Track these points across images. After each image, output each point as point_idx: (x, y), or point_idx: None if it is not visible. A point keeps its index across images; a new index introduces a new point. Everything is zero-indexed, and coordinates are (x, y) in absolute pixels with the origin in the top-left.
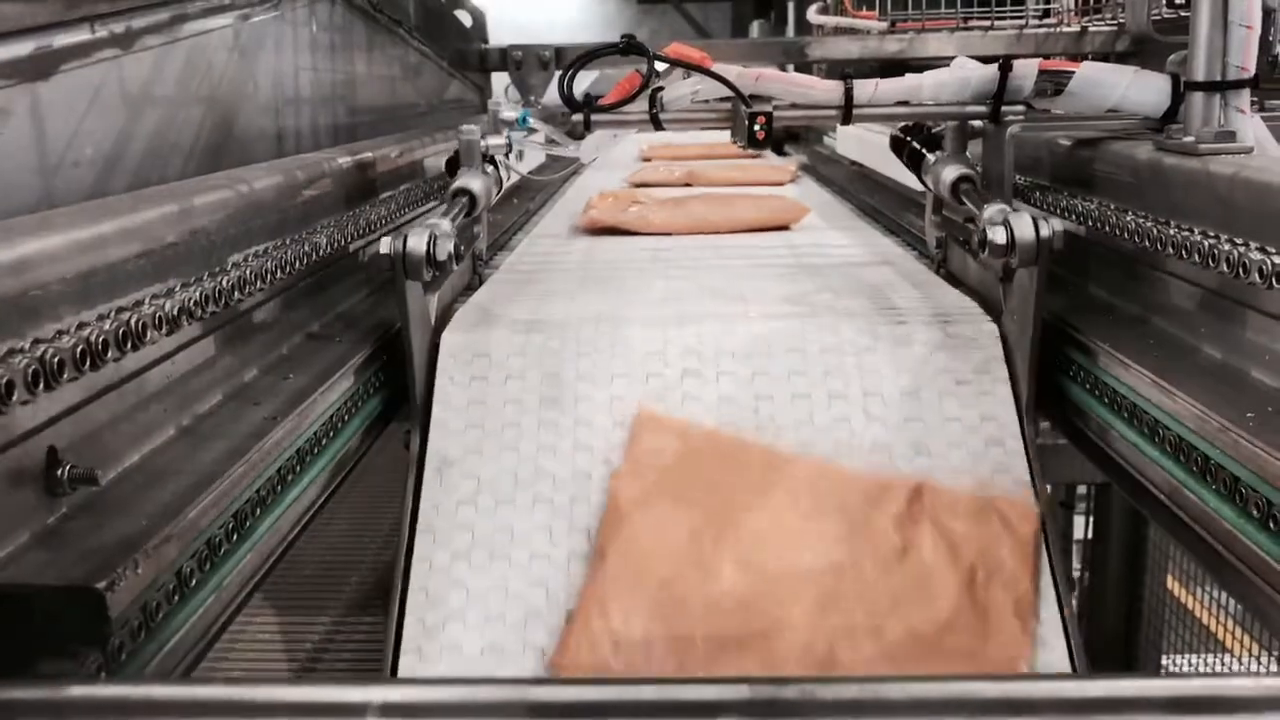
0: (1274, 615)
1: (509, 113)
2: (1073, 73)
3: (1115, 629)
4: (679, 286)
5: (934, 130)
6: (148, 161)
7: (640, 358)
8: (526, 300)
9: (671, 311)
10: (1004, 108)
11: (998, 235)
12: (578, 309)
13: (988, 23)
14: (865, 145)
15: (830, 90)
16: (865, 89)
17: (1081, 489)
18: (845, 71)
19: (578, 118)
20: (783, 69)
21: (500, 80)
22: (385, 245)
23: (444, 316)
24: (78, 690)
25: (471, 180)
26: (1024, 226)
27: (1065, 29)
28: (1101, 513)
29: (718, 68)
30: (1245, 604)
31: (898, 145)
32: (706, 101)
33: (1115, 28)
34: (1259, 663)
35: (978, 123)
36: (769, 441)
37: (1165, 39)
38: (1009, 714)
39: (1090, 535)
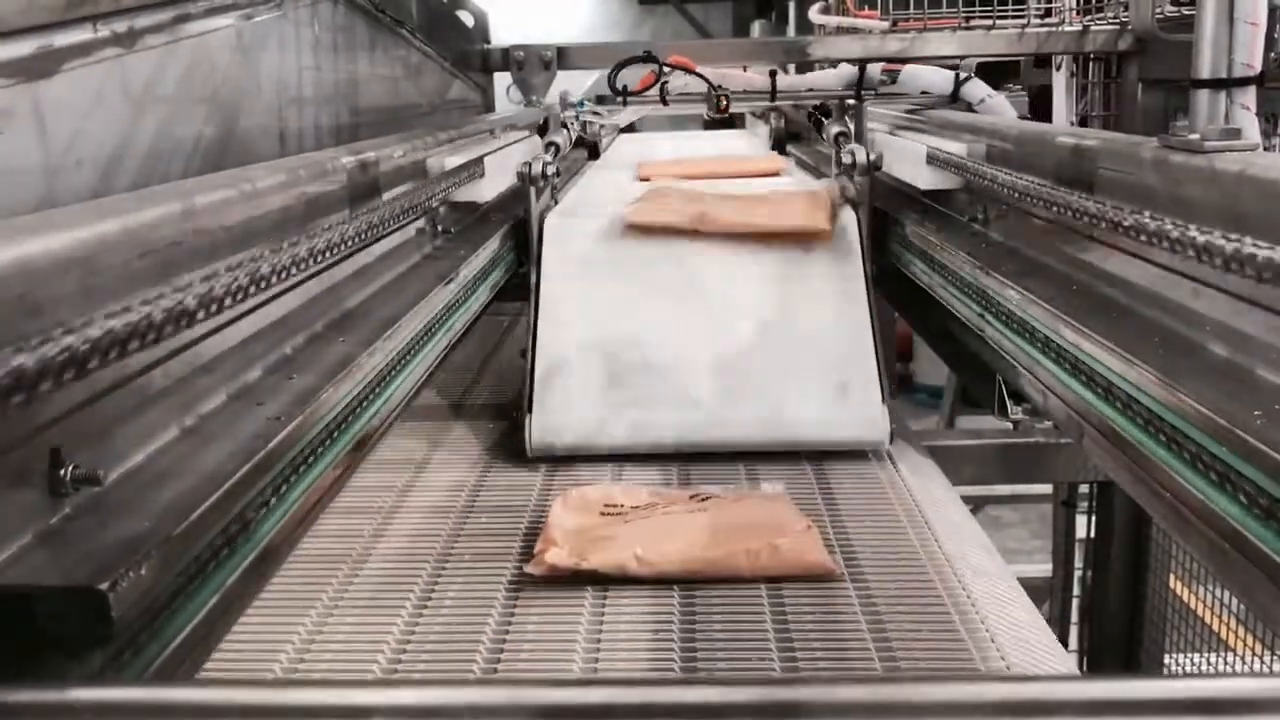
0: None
1: (575, 97)
2: (899, 70)
3: (1118, 628)
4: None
5: (828, 106)
6: (149, 162)
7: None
8: (588, 206)
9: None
10: (862, 91)
11: (846, 159)
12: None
13: (989, 22)
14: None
15: (763, 81)
16: (784, 80)
17: (1084, 488)
18: (772, 70)
19: (620, 100)
20: (784, 69)
21: (502, 80)
22: (520, 166)
23: (541, 216)
24: (80, 692)
25: (557, 136)
26: (860, 154)
27: (1067, 28)
28: (1104, 511)
29: (700, 69)
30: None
31: (809, 116)
32: (700, 92)
33: (1117, 26)
34: (1261, 662)
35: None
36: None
37: (1170, 37)
38: (1016, 715)
39: (1093, 534)
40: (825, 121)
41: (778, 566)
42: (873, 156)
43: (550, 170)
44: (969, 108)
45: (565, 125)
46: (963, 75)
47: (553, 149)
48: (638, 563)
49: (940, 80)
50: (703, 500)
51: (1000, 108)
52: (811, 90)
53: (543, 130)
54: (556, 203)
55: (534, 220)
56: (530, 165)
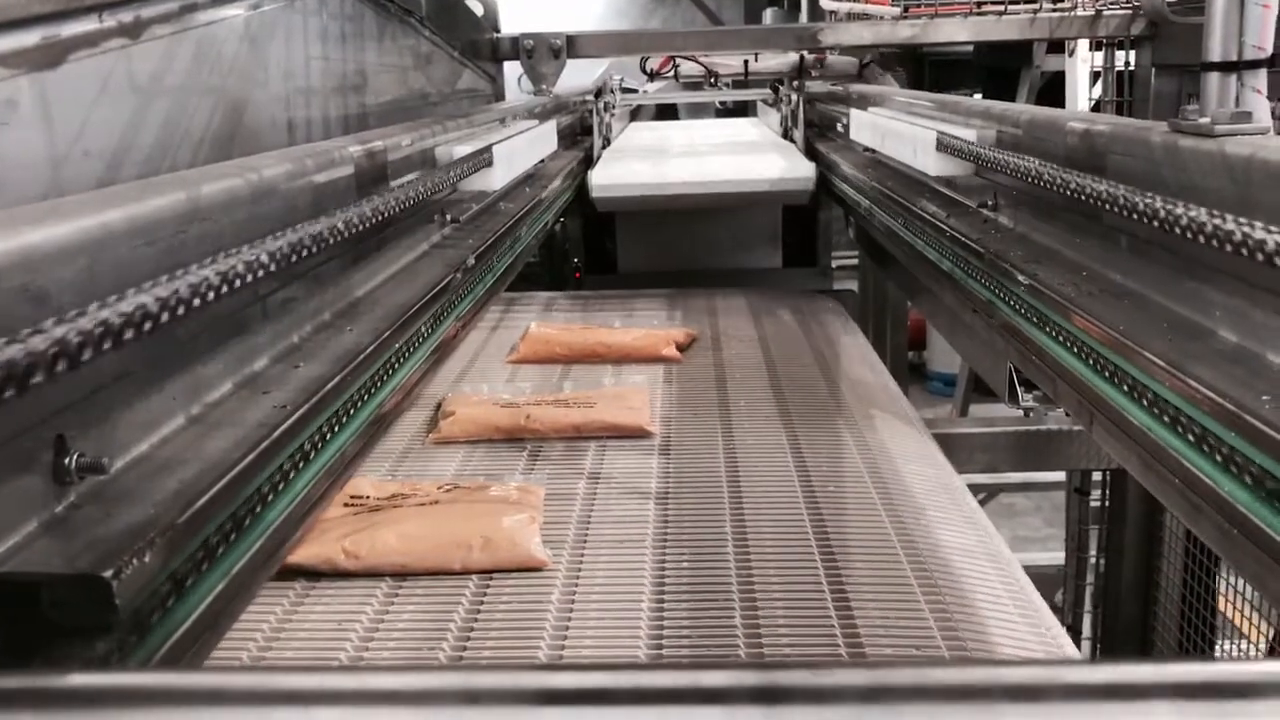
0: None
1: (617, 76)
2: (825, 58)
3: (1132, 614)
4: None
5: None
6: (155, 152)
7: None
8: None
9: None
10: (802, 70)
11: (784, 115)
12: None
13: (1001, 7)
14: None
15: (739, 65)
16: (755, 64)
17: (1097, 475)
18: (746, 60)
19: (649, 76)
20: (798, 53)
21: (513, 70)
22: (588, 116)
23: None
24: (83, 679)
25: (609, 97)
26: (800, 107)
27: (1080, 13)
28: (1117, 498)
29: (700, 58)
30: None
31: (772, 86)
32: (699, 75)
33: (1130, 11)
34: (1276, 647)
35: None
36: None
37: (1181, 20)
38: (1018, 700)
39: (1106, 521)
40: (780, 89)
41: (487, 560)
42: (805, 113)
43: (609, 117)
44: (868, 81)
45: (613, 91)
46: (865, 59)
47: (606, 105)
48: (345, 556)
49: (850, 65)
50: (448, 490)
51: (888, 81)
52: (771, 70)
53: (599, 94)
54: (609, 144)
55: (594, 147)
56: (595, 110)
